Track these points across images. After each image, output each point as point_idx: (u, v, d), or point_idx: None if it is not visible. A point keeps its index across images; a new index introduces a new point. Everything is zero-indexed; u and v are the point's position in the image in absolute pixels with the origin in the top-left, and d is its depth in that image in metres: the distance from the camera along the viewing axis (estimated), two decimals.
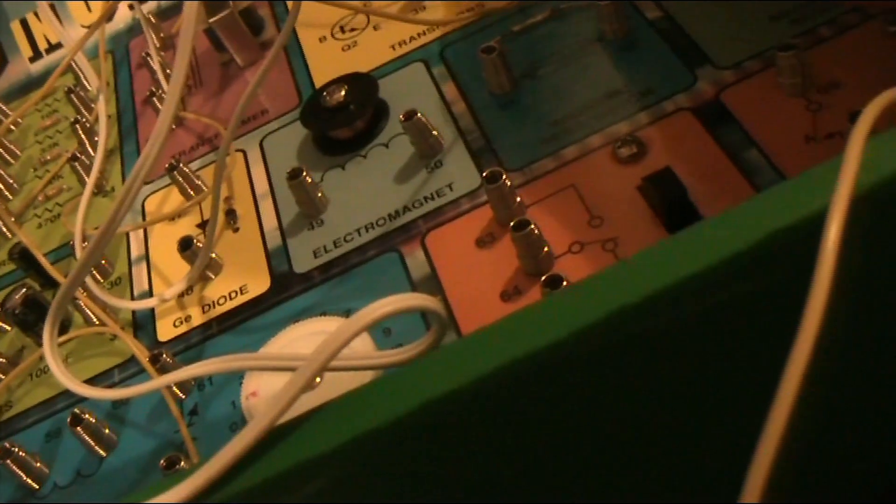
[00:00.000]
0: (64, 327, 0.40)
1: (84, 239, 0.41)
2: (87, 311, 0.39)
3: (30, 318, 0.40)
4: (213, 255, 0.39)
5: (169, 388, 0.35)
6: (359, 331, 0.23)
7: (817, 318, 0.21)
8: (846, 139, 0.30)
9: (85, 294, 0.39)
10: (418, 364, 0.25)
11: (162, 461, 0.32)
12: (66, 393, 0.38)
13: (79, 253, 0.41)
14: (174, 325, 0.38)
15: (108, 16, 0.51)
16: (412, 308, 0.24)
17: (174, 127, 0.46)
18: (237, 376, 0.34)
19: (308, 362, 0.23)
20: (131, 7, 0.55)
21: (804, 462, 0.21)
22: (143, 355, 0.36)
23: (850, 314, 0.22)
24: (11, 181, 0.49)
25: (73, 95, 0.50)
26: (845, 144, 0.23)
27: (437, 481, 0.26)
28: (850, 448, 0.30)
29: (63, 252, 0.44)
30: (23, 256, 0.42)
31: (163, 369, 0.35)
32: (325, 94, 0.40)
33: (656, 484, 0.29)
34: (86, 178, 0.46)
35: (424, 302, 0.24)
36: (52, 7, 0.55)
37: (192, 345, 0.37)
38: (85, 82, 0.52)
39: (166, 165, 0.42)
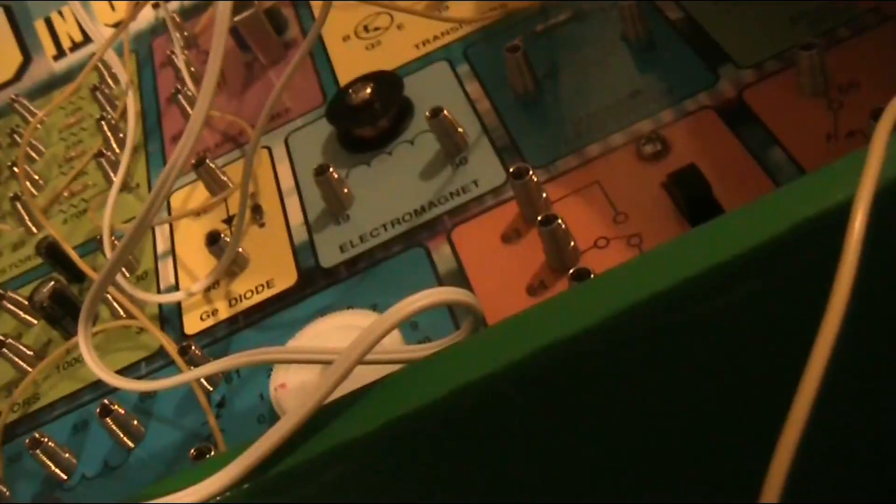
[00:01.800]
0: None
1: (111, 234, 0.42)
2: (115, 304, 0.40)
3: (57, 312, 0.40)
4: (240, 250, 0.39)
5: (198, 380, 0.35)
6: (395, 324, 0.24)
7: (840, 309, 0.21)
8: (867, 137, 0.30)
9: (112, 288, 0.40)
10: (445, 354, 0.25)
11: (192, 451, 0.32)
12: (93, 386, 0.39)
13: (107, 248, 0.41)
14: (201, 319, 0.39)
15: (135, 14, 0.51)
16: (448, 302, 0.24)
17: None
18: (264, 369, 0.35)
19: (345, 355, 0.24)
20: (156, 6, 0.55)
21: (814, 460, 0.21)
22: (171, 348, 0.36)
23: (868, 307, 0.22)
24: (37, 178, 0.50)
25: (98, 93, 0.51)
26: (869, 139, 0.23)
27: (457, 474, 0.27)
28: (856, 447, 0.30)
29: (88, 247, 0.45)
30: (50, 251, 0.43)
31: (191, 362, 0.36)
32: (350, 91, 0.41)
33: (668, 483, 0.30)
34: (111, 174, 0.46)
35: (460, 296, 0.24)
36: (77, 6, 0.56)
37: (219, 338, 0.38)
38: (109, 80, 0.52)
39: (193, 162, 0.42)
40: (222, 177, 0.43)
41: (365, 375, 0.26)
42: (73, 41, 0.58)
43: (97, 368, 0.30)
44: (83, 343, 0.31)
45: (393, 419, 0.24)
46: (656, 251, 0.24)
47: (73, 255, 0.42)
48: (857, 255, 0.21)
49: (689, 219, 0.32)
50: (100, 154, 0.47)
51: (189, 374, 0.31)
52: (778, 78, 0.35)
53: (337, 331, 0.34)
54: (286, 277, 0.38)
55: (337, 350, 0.25)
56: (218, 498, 0.24)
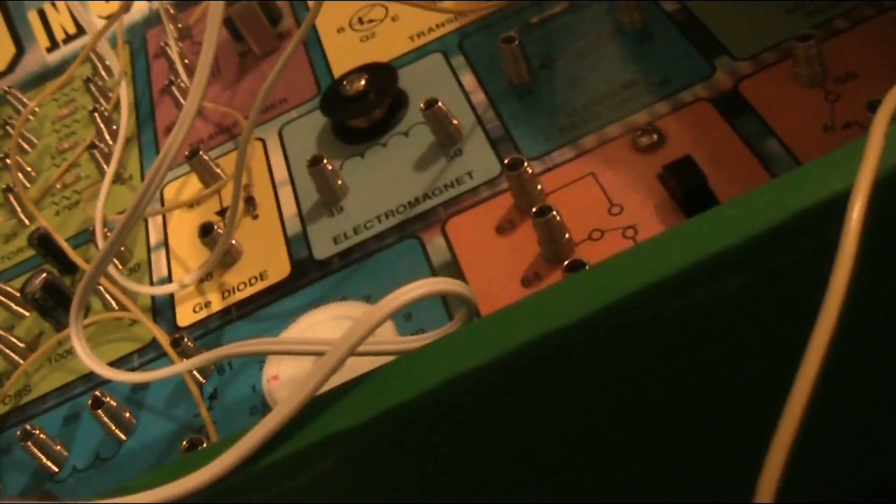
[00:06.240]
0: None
1: (104, 225, 0.41)
2: (107, 296, 0.40)
3: (49, 303, 0.40)
4: (233, 242, 0.39)
5: (190, 372, 0.35)
6: (388, 315, 0.23)
7: (838, 300, 0.21)
8: (864, 128, 0.30)
9: (104, 279, 0.39)
10: (439, 344, 0.25)
11: (184, 442, 0.32)
12: (84, 378, 0.38)
13: (100, 239, 0.41)
14: (194, 311, 0.38)
15: (128, 7, 0.51)
16: (441, 292, 0.24)
17: None
18: (257, 361, 0.35)
19: (337, 346, 0.24)
20: None
21: (806, 458, 0.21)
22: (164, 340, 0.36)
23: (865, 297, 0.22)
24: (29, 169, 0.50)
25: (91, 84, 0.50)
26: (868, 128, 0.23)
27: (449, 465, 0.27)
28: (845, 443, 0.30)
29: (81, 239, 0.44)
30: (42, 242, 0.43)
31: (183, 354, 0.35)
32: (344, 83, 0.41)
33: (660, 482, 0.30)
34: (104, 165, 0.46)
35: (454, 286, 0.24)
36: None
37: (212, 330, 0.37)
38: (103, 72, 0.52)
39: (186, 153, 0.42)
40: (216, 168, 0.43)
41: (359, 367, 0.26)
42: (66, 33, 0.57)
43: (89, 360, 0.30)
44: (74, 335, 0.31)
45: (386, 409, 0.23)
46: (651, 242, 0.24)
47: (66, 247, 0.41)
48: (855, 246, 0.21)
49: (685, 210, 0.32)
50: (92, 145, 0.47)
51: (181, 366, 0.31)
52: (774, 69, 0.35)
53: (330, 322, 0.34)
54: (279, 269, 0.38)
55: (330, 341, 0.24)
56: (207, 489, 0.24)
